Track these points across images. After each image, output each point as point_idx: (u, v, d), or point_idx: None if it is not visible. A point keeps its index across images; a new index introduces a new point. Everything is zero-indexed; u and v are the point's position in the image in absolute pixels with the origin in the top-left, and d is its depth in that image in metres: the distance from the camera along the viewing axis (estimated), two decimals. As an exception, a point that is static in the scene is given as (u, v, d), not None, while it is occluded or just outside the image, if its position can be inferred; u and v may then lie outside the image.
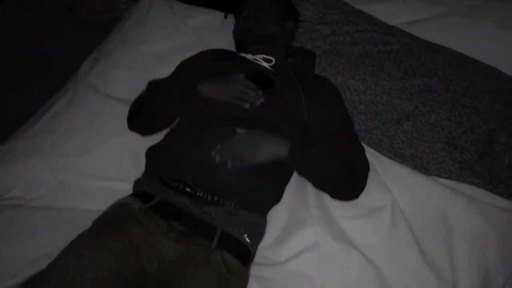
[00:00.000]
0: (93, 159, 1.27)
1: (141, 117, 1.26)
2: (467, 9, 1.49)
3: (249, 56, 1.26)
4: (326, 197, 1.16)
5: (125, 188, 1.16)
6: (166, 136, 1.21)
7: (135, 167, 1.24)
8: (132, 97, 1.27)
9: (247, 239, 1.05)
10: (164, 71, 1.31)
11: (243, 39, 1.29)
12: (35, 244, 1.12)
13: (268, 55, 1.25)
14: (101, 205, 1.12)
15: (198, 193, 1.05)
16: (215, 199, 1.05)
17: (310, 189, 1.19)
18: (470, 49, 1.38)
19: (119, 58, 1.46)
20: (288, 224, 1.17)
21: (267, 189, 1.12)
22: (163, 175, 1.10)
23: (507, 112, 1.26)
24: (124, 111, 1.28)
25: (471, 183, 1.17)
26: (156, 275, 0.97)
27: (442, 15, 1.49)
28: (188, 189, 1.06)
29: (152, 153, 1.18)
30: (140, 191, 1.11)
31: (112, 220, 1.04)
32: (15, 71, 1.82)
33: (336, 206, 1.16)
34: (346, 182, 1.12)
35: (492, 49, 1.38)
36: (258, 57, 1.25)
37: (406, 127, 1.25)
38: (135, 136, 1.27)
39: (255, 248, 1.09)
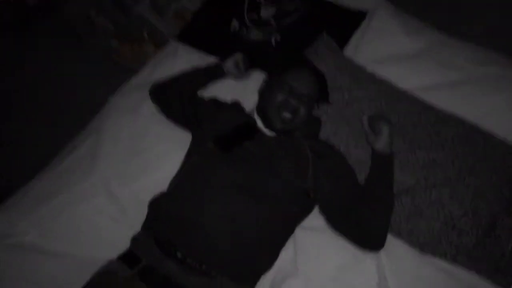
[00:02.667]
0: (108, 202, 1.35)
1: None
2: (482, 78, 1.45)
3: (267, 131, 1.27)
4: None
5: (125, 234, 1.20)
6: (169, 188, 1.26)
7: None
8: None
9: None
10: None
11: (270, 121, 1.25)
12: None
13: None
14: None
15: (187, 260, 1.07)
16: (203, 268, 1.07)
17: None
18: (483, 120, 1.34)
19: (141, 105, 1.54)
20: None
21: (262, 260, 1.15)
22: (158, 234, 1.13)
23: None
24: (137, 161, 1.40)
25: (467, 268, 1.14)
26: None
27: (456, 82, 1.45)
28: (179, 254, 1.08)
29: (152, 207, 1.22)
30: (128, 253, 1.14)
31: None
32: (48, 112, 1.96)
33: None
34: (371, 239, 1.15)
35: (506, 122, 1.33)
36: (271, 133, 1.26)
37: (405, 201, 1.23)
38: (155, 184, 1.31)
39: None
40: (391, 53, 1.55)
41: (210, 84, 1.49)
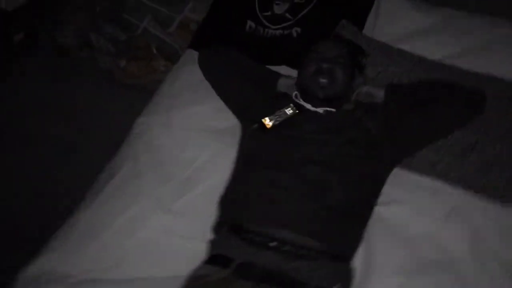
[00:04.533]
0: (167, 219, 1.27)
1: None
2: (498, 39, 1.54)
3: (309, 106, 1.27)
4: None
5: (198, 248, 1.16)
6: (236, 181, 1.21)
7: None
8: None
9: (339, 291, 1.04)
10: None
11: (311, 93, 1.25)
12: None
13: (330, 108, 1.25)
14: (180, 270, 1.12)
15: (283, 247, 1.03)
16: (302, 252, 1.03)
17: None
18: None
19: (173, 119, 1.48)
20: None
21: (350, 234, 1.13)
22: (242, 229, 1.07)
23: None
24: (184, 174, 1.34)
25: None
26: None
27: (476, 47, 1.52)
28: (272, 244, 1.04)
29: (227, 204, 1.17)
30: (216, 255, 1.09)
31: None
32: (59, 142, 1.83)
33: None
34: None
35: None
36: (319, 109, 1.25)
37: (473, 158, 1.26)
38: (209, 190, 1.29)
39: (349, 297, 1.07)
40: (407, 30, 1.60)
41: None
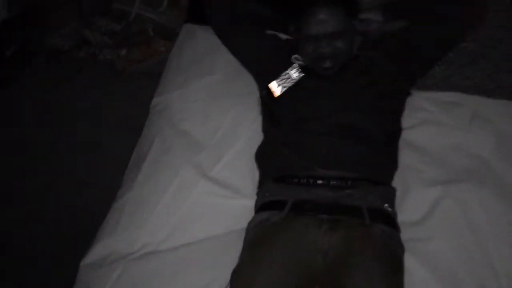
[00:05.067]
0: (210, 184, 1.31)
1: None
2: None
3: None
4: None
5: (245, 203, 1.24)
6: (270, 137, 1.26)
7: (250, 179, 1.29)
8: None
9: (388, 208, 1.11)
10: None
11: (323, 75, 1.23)
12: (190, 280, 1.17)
13: None
14: (232, 225, 1.20)
15: (331, 182, 1.10)
16: (349, 183, 1.10)
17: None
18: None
19: (188, 92, 1.52)
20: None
21: (386, 161, 1.20)
22: (289, 174, 1.13)
23: None
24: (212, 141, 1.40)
25: None
26: (326, 269, 1.01)
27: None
28: (319, 182, 1.11)
29: (267, 159, 1.23)
30: (268, 202, 1.15)
31: (261, 241, 1.07)
32: (80, 143, 1.86)
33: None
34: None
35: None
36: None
37: (482, 64, 1.32)
38: (241, 151, 1.35)
39: (396, 215, 1.14)
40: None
41: None
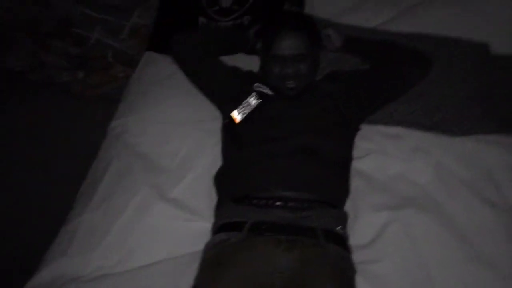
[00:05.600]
0: (168, 206, 1.32)
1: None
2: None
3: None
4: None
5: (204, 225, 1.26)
6: (229, 159, 1.31)
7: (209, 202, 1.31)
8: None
9: (341, 230, 1.17)
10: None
11: (281, 92, 1.34)
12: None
13: None
14: (190, 247, 1.21)
15: (289, 204, 1.15)
16: (306, 205, 1.16)
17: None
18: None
19: (147, 116, 1.55)
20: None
21: (341, 186, 1.28)
22: (246, 198, 1.18)
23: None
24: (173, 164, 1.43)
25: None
26: (284, 285, 1.03)
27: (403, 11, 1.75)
28: (277, 203, 1.15)
29: (225, 181, 1.27)
30: (227, 223, 1.18)
31: (219, 261, 1.09)
32: (29, 163, 1.80)
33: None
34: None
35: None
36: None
37: (422, 102, 1.46)
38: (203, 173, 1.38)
39: (348, 238, 1.20)
40: (344, 6, 1.79)
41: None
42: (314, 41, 1.33)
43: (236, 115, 1.33)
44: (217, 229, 1.19)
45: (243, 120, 1.31)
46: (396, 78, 1.33)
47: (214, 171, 1.35)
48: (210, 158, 1.42)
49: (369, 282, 1.15)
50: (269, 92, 1.36)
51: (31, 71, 1.90)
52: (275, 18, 1.41)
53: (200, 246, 1.20)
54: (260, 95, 1.35)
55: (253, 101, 1.35)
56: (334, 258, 1.09)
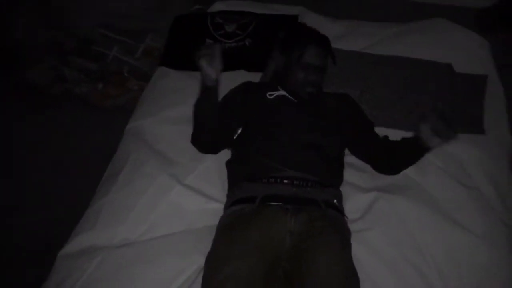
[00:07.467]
0: (185, 189, 1.49)
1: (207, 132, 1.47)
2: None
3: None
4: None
5: (217, 206, 1.44)
6: (245, 147, 1.47)
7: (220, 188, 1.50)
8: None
9: (337, 203, 1.38)
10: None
11: (298, 94, 1.52)
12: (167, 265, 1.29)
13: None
14: (206, 222, 1.39)
15: (295, 182, 1.34)
16: (309, 183, 1.35)
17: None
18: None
19: (162, 117, 1.75)
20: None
21: (337, 172, 1.49)
22: (260, 176, 1.35)
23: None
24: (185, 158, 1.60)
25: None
26: (293, 246, 1.21)
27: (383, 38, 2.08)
28: (285, 181, 1.34)
29: (238, 166, 1.44)
30: (240, 198, 1.34)
31: (235, 225, 1.27)
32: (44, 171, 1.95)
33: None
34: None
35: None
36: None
37: (399, 107, 1.73)
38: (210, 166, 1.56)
39: (343, 210, 1.40)
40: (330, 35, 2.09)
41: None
42: (332, 58, 1.61)
43: None
44: (231, 204, 1.36)
45: (262, 117, 1.49)
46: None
47: (221, 162, 1.54)
48: (222, 153, 1.59)
49: (363, 247, 1.34)
50: (287, 95, 1.54)
51: (52, 85, 2.09)
52: (301, 31, 1.64)
53: (213, 222, 1.37)
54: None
55: None
56: (334, 219, 1.29)
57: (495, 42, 2.09)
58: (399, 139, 1.52)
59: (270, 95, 1.53)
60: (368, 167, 1.60)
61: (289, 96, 1.52)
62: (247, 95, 1.56)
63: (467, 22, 2.21)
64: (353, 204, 1.47)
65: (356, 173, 1.58)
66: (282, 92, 1.53)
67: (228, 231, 1.28)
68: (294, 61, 1.53)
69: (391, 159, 1.51)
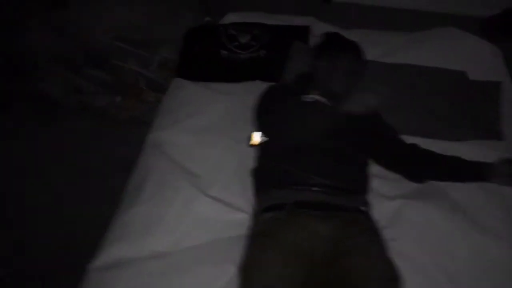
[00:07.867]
0: (210, 201, 1.49)
1: None
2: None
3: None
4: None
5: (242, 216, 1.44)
6: (268, 154, 1.47)
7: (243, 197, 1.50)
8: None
9: (366, 209, 1.39)
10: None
11: (327, 87, 1.54)
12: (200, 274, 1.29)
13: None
14: (233, 232, 1.39)
15: (324, 189, 1.34)
16: (338, 191, 1.36)
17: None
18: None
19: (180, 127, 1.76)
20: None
21: (364, 180, 1.49)
22: (289, 183, 1.36)
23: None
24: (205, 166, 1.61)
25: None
26: (327, 252, 1.22)
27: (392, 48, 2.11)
28: (314, 188, 1.35)
29: (266, 169, 1.44)
30: (271, 205, 1.34)
31: (269, 233, 1.26)
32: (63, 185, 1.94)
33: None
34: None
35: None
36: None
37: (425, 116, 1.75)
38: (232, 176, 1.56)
39: (372, 216, 1.40)
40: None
41: None
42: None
43: (256, 137, 1.44)
44: (260, 211, 1.36)
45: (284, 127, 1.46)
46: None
47: (242, 171, 1.55)
48: (237, 161, 1.62)
49: (394, 254, 1.31)
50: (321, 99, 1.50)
51: (66, 96, 2.08)
52: (338, 38, 1.72)
53: (240, 232, 1.37)
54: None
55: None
56: (364, 222, 1.31)
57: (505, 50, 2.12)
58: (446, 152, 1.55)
59: (304, 98, 1.51)
60: (389, 174, 1.61)
61: (322, 100, 1.53)
62: (282, 98, 1.55)
63: (472, 31, 2.26)
64: (379, 211, 1.47)
65: (378, 180, 1.58)
66: (316, 96, 1.53)
67: (259, 239, 1.27)
68: (331, 65, 1.56)
69: (427, 168, 1.54)
